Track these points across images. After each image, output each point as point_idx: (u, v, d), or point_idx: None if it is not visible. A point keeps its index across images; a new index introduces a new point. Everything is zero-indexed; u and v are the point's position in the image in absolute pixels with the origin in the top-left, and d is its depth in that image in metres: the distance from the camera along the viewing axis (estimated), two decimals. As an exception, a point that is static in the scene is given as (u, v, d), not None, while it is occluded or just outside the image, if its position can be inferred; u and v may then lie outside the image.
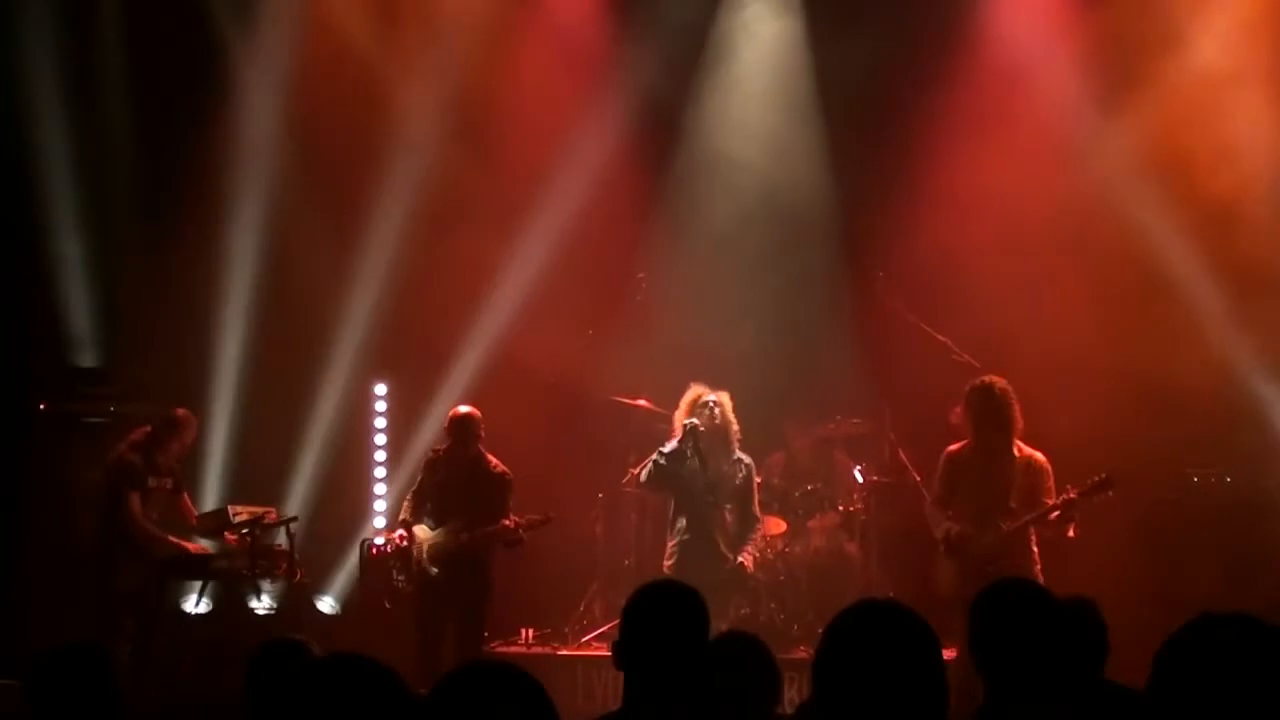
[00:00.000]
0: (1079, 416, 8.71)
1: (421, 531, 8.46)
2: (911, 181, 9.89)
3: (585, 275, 10.17)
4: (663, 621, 3.36)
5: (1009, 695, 3.40)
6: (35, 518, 9.40)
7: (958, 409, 7.80)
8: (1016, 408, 7.59)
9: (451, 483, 8.46)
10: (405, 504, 8.69)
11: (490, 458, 8.52)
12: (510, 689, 2.70)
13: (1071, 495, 7.46)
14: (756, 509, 8.53)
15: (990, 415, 7.58)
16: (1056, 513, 7.45)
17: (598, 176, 10.24)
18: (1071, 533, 7.53)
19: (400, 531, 8.52)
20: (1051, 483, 7.59)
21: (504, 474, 8.48)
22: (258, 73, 10.42)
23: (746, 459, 8.38)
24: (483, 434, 8.48)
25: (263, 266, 10.33)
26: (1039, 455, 7.64)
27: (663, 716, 3.29)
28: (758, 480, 8.67)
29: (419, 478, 8.70)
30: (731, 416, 8.28)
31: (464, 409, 8.59)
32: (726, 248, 10.35)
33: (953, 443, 7.83)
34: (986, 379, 7.67)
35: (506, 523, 8.28)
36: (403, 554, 8.46)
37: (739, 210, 10.39)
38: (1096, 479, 7.43)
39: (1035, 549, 7.60)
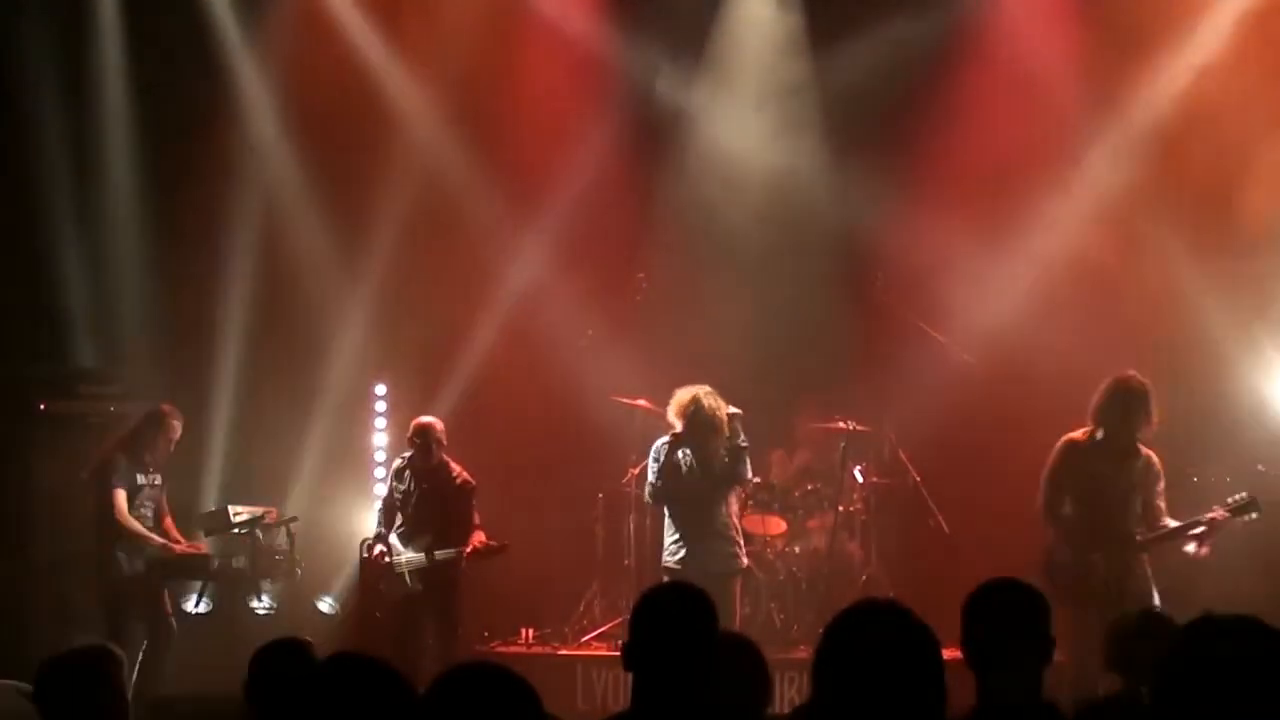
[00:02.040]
0: (1080, 416, 8.68)
1: (399, 546, 8.53)
2: (913, 181, 9.89)
3: (585, 275, 10.18)
4: (672, 622, 3.36)
5: (1001, 694, 3.40)
6: (36, 518, 9.39)
7: (1096, 402, 7.35)
8: (1155, 406, 7.27)
9: (418, 494, 8.54)
10: (379, 514, 8.75)
11: (453, 466, 8.56)
12: (502, 690, 2.72)
13: (1218, 515, 7.16)
14: (746, 468, 8.00)
15: (1135, 413, 7.24)
16: (1201, 528, 7.16)
17: (598, 176, 10.23)
18: (1205, 551, 7.20)
19: (380, 547, 8.58)
20: (1164, 485, 7.35)
21: (466, 483, 8.52)
22: (258, 74, 10.43)
23: (733, 410, 7.89)
24: (444, 442, 8.50)
25: (263, 266, 10.33)
26: (1155, 455, 7.34)
27: (671, 718, 3.30)
28: (755, 479, 8.51)
29: (389, 485, 8.76)
30: (719, 404, 7.84)
31: (425, 419, 8.64)
32: (726, 247, 10.34)
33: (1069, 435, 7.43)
34: (1134, 375, 7.31)
35: (466, 549, 8.31)
36: (385, 568, 8.53)
37: (739, 209, 10.38)
38: (1241, 499, 7.20)
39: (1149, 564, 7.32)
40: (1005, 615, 3.45)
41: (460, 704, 2.72)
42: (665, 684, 3.30)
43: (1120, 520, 7.28)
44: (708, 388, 7.90)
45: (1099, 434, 7.36)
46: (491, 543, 8.37)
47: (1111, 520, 7.28)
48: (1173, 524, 7.26)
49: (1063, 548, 7.34)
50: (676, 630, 3.34)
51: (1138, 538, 7.26)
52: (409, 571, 8.46)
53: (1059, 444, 7.45)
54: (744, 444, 7.94)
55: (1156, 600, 7.13)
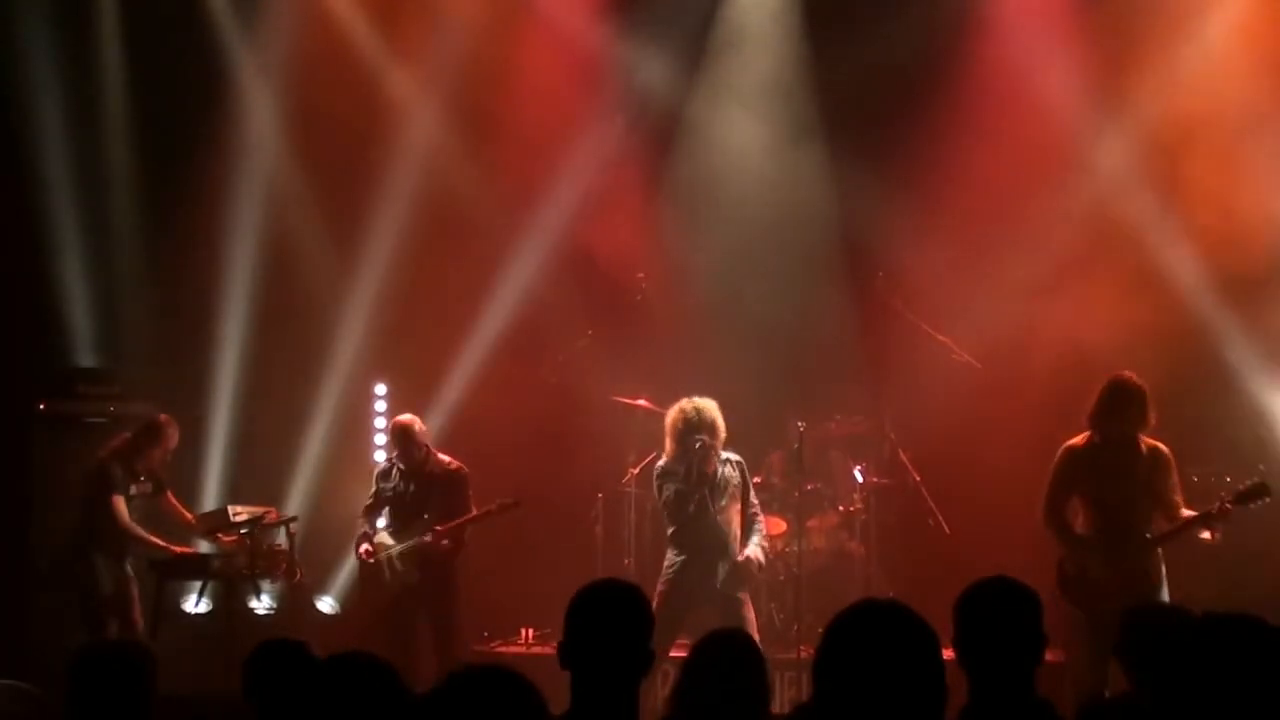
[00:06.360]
0: (1081, 417, 8.68)
1: (386, 539, 8.53)
2: (912, 181, 9.89)
3: (585, 275, 10.17)
4: (606, 620, 3.36)
5: (993, 693, 3.40)
6: (36, 518, 9.40)
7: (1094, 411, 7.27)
8: (1151, 404, 7.19)
9: (407, 492, 8.54)
10: (361, 518, 8.74)
11: (441, 458, 8.56)
12: (509, 693, 2.72)
13: (1227, 506, 7.02)
14: (754, 501, 8.15)
15: (1128, 411, 7.16)
16: (1211, 516, 7.04)
17: (597, 176, 10.24)
18: (1216, 537, 7.10)
19: (365, 546, 8.58)
20: (1178, 477, 7.24)
21: (458, 470, 8.53)
22: (258, 74, 10.44)
23: (736, 457, 7.99)
24: (420, 439, 8.50)
25: (263, 266, 10.34)
26: (1163, 447, 7.22)
27: (609, 716, 3.31)
28: (756, 480, 8.57)
29: (373, 488, 8.73)
30: (704, 405, 7.80)
31: (403, 418, 8.64)
32: (726, 247, 10.34)
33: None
34: (1128, 375, 7.25)
35: (465, 518, 8.36)
36: (373, 566, 8.53)
37: (739, 209, 10.39)
38: (1252, 484, 7.11)
39: (1162, 559, 7.20)
40: (996, 613, 3.45)
41: (466, 706, 2.72)
42: (602, 682, 3.32)
43: (1129, 521, 7.19)
44: (695, 398, 7.79)
45: (1096, 437, 7.29)
46: (505, 501, 8.37)
47: (1120, 523, 7.18)
48: (1187, 514, 7.17)
49: (1070, 559, 7.25)
50: (611, 628, 3.35)
51: (1148, 536, 7.18)
52: (398, 557, 8.43)
53: (1059, 451, 7.37)
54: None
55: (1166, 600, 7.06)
